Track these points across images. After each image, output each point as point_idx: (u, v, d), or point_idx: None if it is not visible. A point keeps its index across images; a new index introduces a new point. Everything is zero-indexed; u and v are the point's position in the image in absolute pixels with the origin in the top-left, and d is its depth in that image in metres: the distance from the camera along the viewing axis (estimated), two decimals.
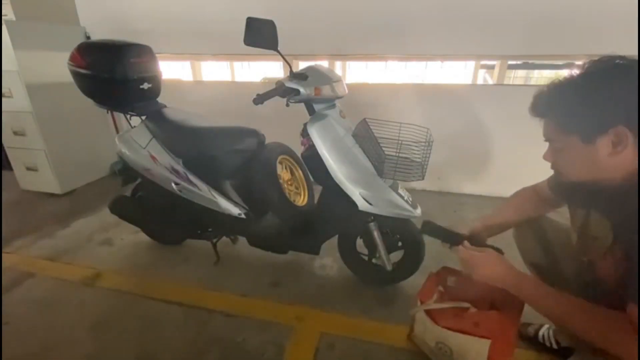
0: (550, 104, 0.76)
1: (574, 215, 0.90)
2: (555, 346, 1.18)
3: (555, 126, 0.76)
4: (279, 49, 1.29)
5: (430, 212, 2.13)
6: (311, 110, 1.40)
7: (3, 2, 2.47)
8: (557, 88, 0.75)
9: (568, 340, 1.15)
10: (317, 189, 1.56)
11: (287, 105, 1.35)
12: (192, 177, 1.56)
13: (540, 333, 1.23)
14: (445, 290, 1.17)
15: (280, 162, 1.66)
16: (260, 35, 1.25)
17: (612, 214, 0.75)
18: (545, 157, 0.82)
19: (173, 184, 1.57)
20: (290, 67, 1.39)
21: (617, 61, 0.69)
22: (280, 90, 1.30)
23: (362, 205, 1.33)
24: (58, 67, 2.41)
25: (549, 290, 0.79)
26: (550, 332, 1.22)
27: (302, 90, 1.30)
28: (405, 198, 1.38)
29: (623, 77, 0.67)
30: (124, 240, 2.05)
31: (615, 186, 0.70)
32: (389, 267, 1.50)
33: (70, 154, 2.63)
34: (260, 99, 1.26)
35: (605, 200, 0.74)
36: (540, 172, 1.02)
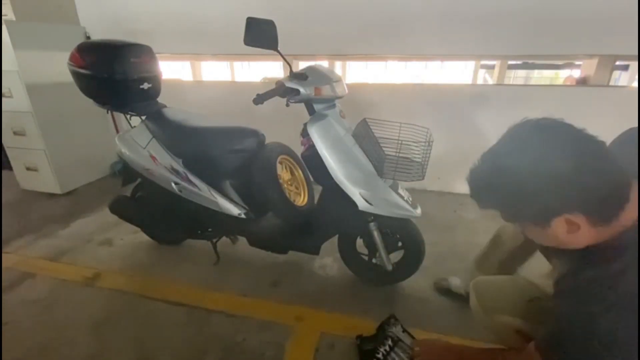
0: (488, 194, 0.66)
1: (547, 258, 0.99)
2: (464, 294, 1.41)
3: (505, 216, 0.68)
4: (279, 49, 1.29)
5: (430, 212, 2.13)
6: (311, 110, 1.40)
7: (3, 2, 2.48)
8: (488, 174, 0.65)
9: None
10: (317, 189, 1.56)
11: (287, 105, 1.35)
12: (192, 177, 1.56)
13: (452, 283, 1.50)
14: None
15: (280, 162, 1.66)
16: (260, 35, 1.25)
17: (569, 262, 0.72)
18: (517, 229, 0.81)
19: (173, 184, 1.57)
20: (290, 67, 1.39)
21: (532, 131, 0.60)
22: (280, 90, 1.30)
23: (362, 205, 1.33)
24: (58, 67, 2.42)
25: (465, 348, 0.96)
26: (459, 282, 1.48)
27: (302, 90, 1.30)
28: (406, 198, 1.38)
29: (548, 151, 0.58)
30: (124, 240, 2.05)
31: (579, 251, 0.65)
32: (389, 267, 1.50)
33: (70, 154, 2.63)
34: (260, 99, 1.26)
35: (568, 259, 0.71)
36: None
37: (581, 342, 0.61)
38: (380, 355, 1.20)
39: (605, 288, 0.59)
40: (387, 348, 1.22)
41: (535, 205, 0.61)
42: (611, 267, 0.60)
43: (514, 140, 0.63)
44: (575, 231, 0.61)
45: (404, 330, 1.29)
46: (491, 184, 0.64)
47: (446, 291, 1.53)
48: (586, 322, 0.60)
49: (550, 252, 0.89)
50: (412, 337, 1.27)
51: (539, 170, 0.58)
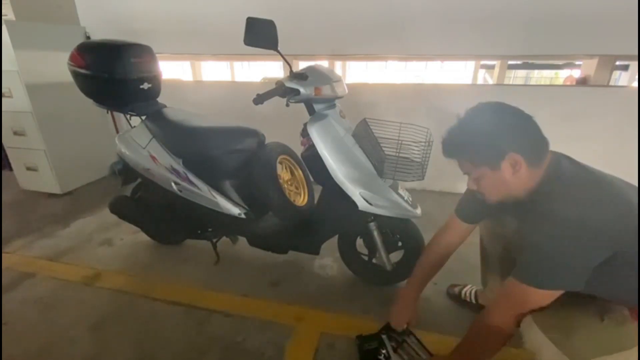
0: (457, 146, 0.93)
1: (501, 222, 1.13)
2: (474, 302, 1.45)
3: (467, 163, 0.93)
4: (279, 48, 1.29)
5: (430, 212, 2.13)
6: (311, 110, 1.40)
7: (3, 2, 2.48)
8: (458, 133, 0.92)
9: (484, 302, 1.41)
10: (317, 189, 1.56)
11: (287, 105, 1.35)
12: (192, 177, 1.56)
13: (464, 292, 1.49)
14: None
15: (280, 162, 1.65)
16: (260, 35, 1.24)
17: (520, 214, 0.97)
18: (469, 186, 0.98)
19: (173, 184, 1.57)
20: (290, 67, 1.39)
21: (489, 105, 0.90)
22: (280, 90, 1.30)
23: (362, 205, 1.33)
24: (58, 67, 2.42)
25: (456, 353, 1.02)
26: (472, 292, 1.47)
27: (302, 90, 1.30)
28: (406, 198, 1.38)
29: (505, 113, 0.88)
30: (124, 240, 2.05)
31: (522, 198, 0.90)
32: (388, 267, 1.50)
33: (70, 154, 2.63)
34: (260, 99, 1.26)
35: (516, 208, 0.94)
36: None
37: (549, 261, 0.79)
38: (382, 357, 1.20)
39: (560, 214, 0.79)
40: (391, 349, 1.22)
41: (490, 147, 0.86)
42: (555, 200, 0.82)
43: (473, 111, 0.92)
44: (518, 171, 0.85)
45: (410, 332, 1.28)
46: (460, 139, 0.91)
47: (456, 297, 1.52)
48: (550, 244, 0.79)
49: (504, 212, 1.03)
50: (418, 339, 1.26)
51: (490, 125, 0.87)
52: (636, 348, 0.80)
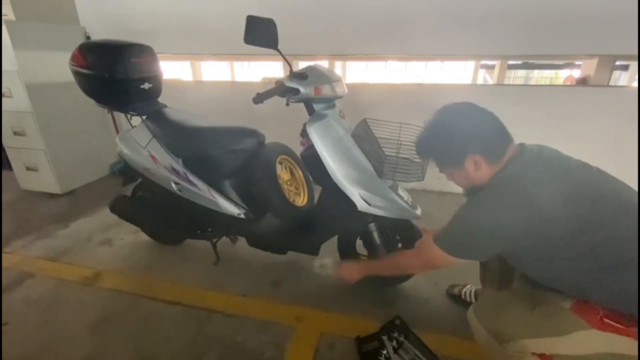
0: (426, 149, 1.06)
1: None
2: (474, 301, 1.45)
3: (437, 164, 1.05)
4: (279, 48, 1.29)
5: (430, 212, 2.13)
6: (311, 110, 1.40)
7: (3, 2, 2.48)
8: (425, 136, 1.03)
9: None
10: (317, 189, 1.56)
11: (287, 104, 1.34)
12: (192, 177, 1.56)
13: (463, 291, 1.51)
14: None
15: (280, 162, 1.65)
16: (260, 34, 1.24)
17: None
18: (447, 179, 1.08)
19: (173, 184, 1.57)
20: (290, 67, 1.39)
21: (451, 108, 1.00)
22: (280, 89, 1.30)
23: (361, 206, 1.33)
24: (58, 67, 2.42)
25: (372, 262, 1.39)
26: (472, 291, 1.50)
27: (302, 89, 1.30)
28: (405, 199, 1.38)
29: (466, 115, 0.98)
30: (124, 240, 2.05)
31: (484, 187, 0.97)
32: None
33: (70, 154, 2.63)
34: (259, 98, 1.26)
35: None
36: None
37: (466, 232, 0.95)
38: (382, 358, 1.20)
39: (486, 200, 0.92)
40: (391, 350, 1.22)
41: (452, 150, 0.97)
42: (486, 193, 0.93)
43: (437, 116, 1.03)
44: (479, 169, 0.95)
45: (411, 332, 1.28)
46: (427, 143, 1.04)
47: (455, 297, 1.53)
48: (469, 224, 0.94)
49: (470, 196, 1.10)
50: (418, 338, 1.26)
51: (452, 129, 0.97)
52: (566, 337, 0.86)
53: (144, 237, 1.99)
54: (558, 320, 0.88)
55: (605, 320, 0.84)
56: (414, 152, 1.31)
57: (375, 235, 1.45)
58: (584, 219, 0.82)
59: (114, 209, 1.79)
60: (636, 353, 0.81)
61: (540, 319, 0.89)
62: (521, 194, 0.87)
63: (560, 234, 0.83)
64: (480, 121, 0.96)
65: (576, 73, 4.27)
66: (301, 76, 1.31)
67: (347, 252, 1.60)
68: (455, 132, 0.96)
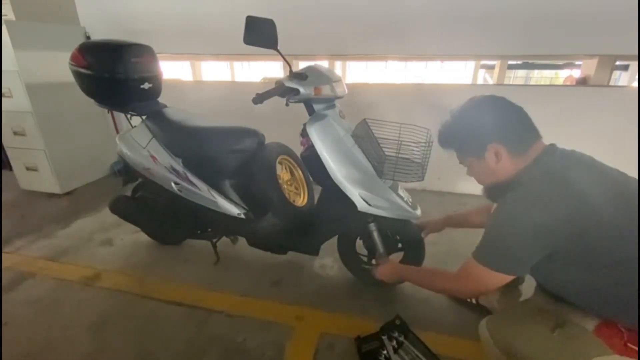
0: (448, 138, 1.02)
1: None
2: (474, 301, 1.47)
3: (458, 154, 1.03)
4: (278, 48, 1.29)
5: (430, 212, 2.13)
6: (311, 110, 1.40)
7: (3, 2, 2.47)
8: (448, 126, 1.01)
9: (484, 302, 1.44)
10: (317, 190, 1.56)
11: (287, 104, 1.35)
12: (191, 177, 1.56)
13: None
14: None
15: (280, 162, 1.65)
16: (260, 34, 1.24)
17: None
18: (467, 174, 1.06)
19: (173, 184, 1.57)
20: (290, 67, 1.39)
21: (479, 99, 0.98)
22: (279, 89, 1.30)
23: (361, 206, 1.33)
24: (58, 67, 2.42)
25: (412, 270, 1.27)
26: None
27: (301, 89, 1.30)
28: (405, 199, 1.38)
29: (491, 106, 0.96)
30: (124, 240, 2.05)
31: (506, 183, 0.94)
32: None
33: (70, 154, 2.63)
34: (259, 98, 1.26)
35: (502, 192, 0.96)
36: None
37: (507, 236, 0.85)
38: (382, 358, 1.20)
39: (524, 197, 0.85)
40: (392, 350, 1.22)
41: (474, 138, 0.95)
42: (522, 190, 0.86)
43: (465, 105, 1.00)
44: (500, 160, 0.91)
45: (411, 332, 1.28)
46: (449, 132, 1.01)
47: (455, 297, 1.52)
48: (509, 227, 0.85)
49: (495, 196, 1.04)
50: (418, 338, 1.26)
51: (475, 118, 0.96)
52: None
53: (144, 237, 1.99)
54: (579, 345, 0.83)
55: (629, 345, 0.80)
56: (414, 152, 1.32)
57: (375, 235, 1.45)
58: (624, 227, 0.78)
59: (114, 209, 1.79)
60: None
61: (560, 342, 0.84)
62: (565, 192, 0.81)
63: (603, 236, 0.78)
64: (505, 112, 0.94)
65: (576, 73, 4.27)
66: (301, 76, 1.31)
67: (347, 252, 1.60)
68: (478, 120, 0.95)
